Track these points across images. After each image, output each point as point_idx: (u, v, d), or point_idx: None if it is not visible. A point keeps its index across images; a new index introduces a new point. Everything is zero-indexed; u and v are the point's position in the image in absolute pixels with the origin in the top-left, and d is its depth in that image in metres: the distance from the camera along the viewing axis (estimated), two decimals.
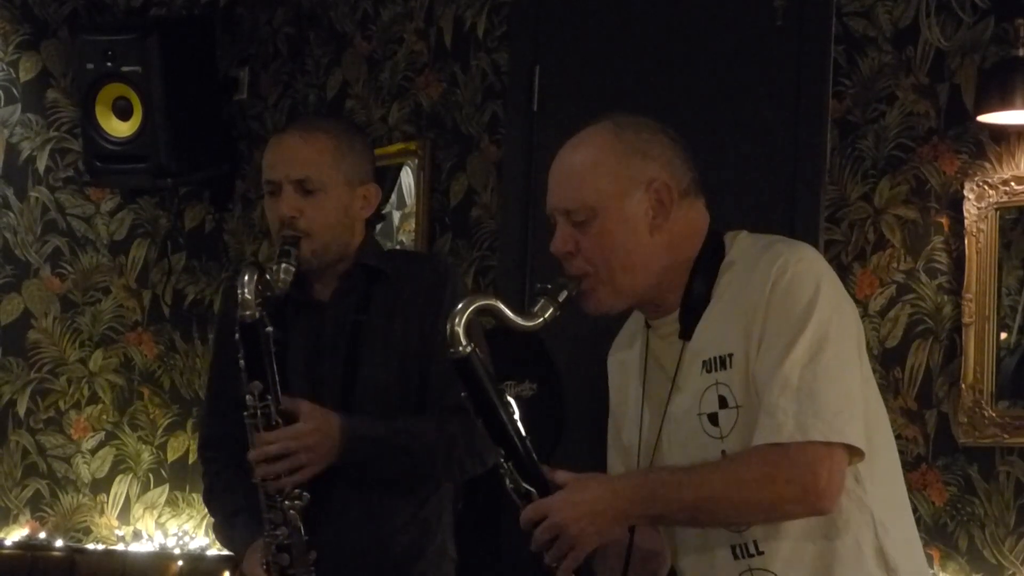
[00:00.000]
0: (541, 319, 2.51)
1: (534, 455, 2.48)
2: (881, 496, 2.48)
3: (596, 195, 2.50)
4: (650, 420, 2.58)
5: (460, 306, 2.49)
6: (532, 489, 2.45)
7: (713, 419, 2.47)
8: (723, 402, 2.46)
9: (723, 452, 2.45)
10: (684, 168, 2.55)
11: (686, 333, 2.52)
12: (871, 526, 2.45)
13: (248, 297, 3.06)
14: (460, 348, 2.48)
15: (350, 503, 3.17)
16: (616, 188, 2.50)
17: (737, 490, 2.39)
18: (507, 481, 2.48)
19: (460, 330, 2.47)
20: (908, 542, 2.53)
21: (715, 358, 2.47)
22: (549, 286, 2.53)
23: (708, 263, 2.53)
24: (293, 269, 3.11)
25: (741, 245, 2.54)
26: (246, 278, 3.07)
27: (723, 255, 2.54)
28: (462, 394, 2.51)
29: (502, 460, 2.48)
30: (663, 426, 2.54)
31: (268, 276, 3.09)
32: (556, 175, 2.57)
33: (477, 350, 2.49)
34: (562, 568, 2.44)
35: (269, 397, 3.08)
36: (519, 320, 2.51)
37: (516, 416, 2.49)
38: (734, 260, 2.52)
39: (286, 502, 3.08)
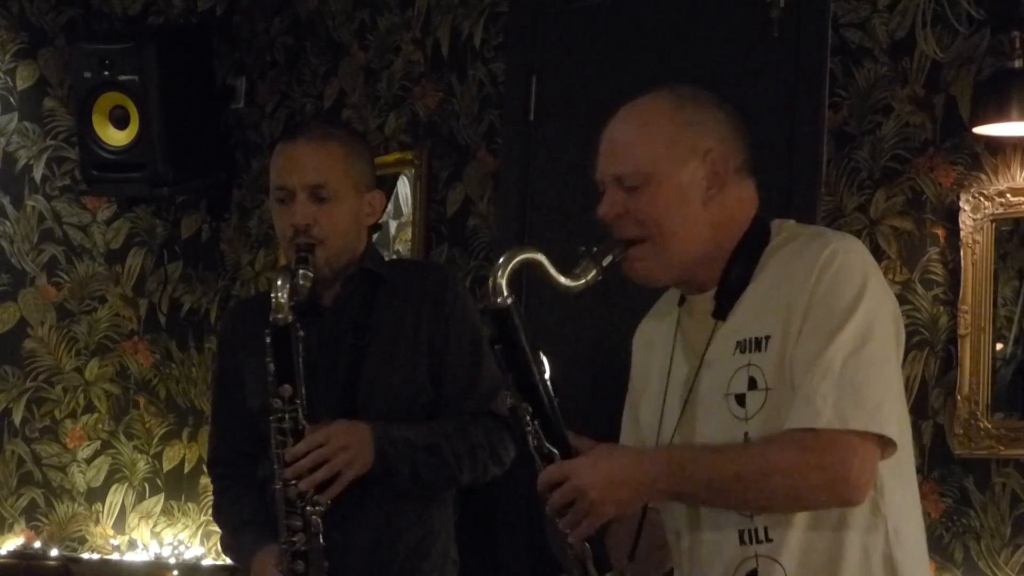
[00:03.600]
0: (583, 280, 2.45)
1: (560, 417, 2.43)
2: (897, 505, 2.45)
3: (651, 160, 2.46)
4: (674, 397, 2.53)
5: (503, 259, 2.44)
6: (555, 451, 2.41)
7: (740, 400, 2.42)
8: (752, 383, 2.41)
9: (746, 434, 2.41)
10: (739, 145, 2.51)
11: (720, 312, 2.47)
12: (883, 532, 2.42)
13: (282, 301, 3.07)
14: (501, 299, 2.43)
15: (355, 505, 3.17)
16: (672, 155, 2.46)
17: (766, 473, 2.35)
18: (530, 440, 2.43)
19: (503, 281, 2.42)
20: (918, 555, 2.50)
21: (751, 339, 2.43)
22: (595, 248, 2.47)
23: (752, 244, 2.49)
24: (311, 275, 3.12)
25: (788, 231, 2.51)
26: (279, 283, 3.09)
27: (767, 240, 2.50)
28: (495, 346, 2.45)
29: (528, 417, 2.42)
30: (687, 403, 2.49)
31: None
32: (609, 140, 2.52)
33: (518, 305, 2.44)
34: (575, 533, 2.39)
35: (298, 401, 3.09)
36: (562, 280, 2.45)
37: (547, 376, 2.44)
38: (780, 244, 2.48)
39: (308, 507, 3.08)
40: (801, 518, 2.41)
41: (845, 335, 2.35)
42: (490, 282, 2.44)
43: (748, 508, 2.42)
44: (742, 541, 2.44)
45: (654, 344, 2.62)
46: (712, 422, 2.46)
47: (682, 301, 2.58)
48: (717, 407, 2.45)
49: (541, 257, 2.46)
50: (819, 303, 2.38)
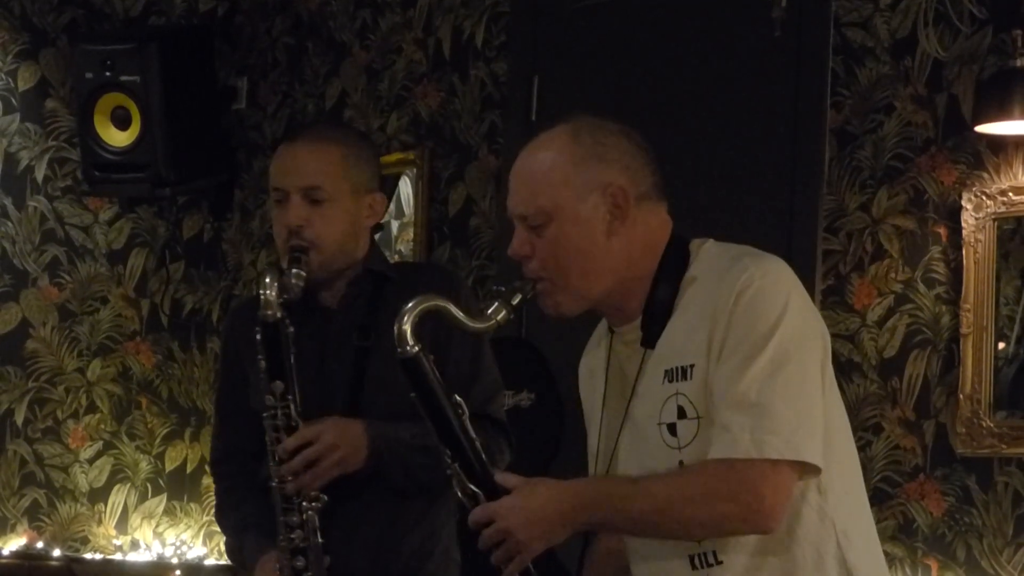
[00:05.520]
0: (493, 321, 2.50)
1: (483, 456, 2.48)
2: (843, 506, 2.46)
3: (550, 200, 2.48)
4: (609, 425, 2.57)
5: (408, 307, 2.50)
6: (479, 491, 2.46)
7: (672, 429, 2.45)
8: (682, 412, 2.44)
9: (681, 463, 2.43)
10: (644, 172, 2.52)
11: (648, 341, 2.50)
12: (833, 537, 2.43)
13: (271, 298, 3.08)
14: (407, 348, 2.49)
15: (359, 504, 3.18)
16: (570, 192, 2.48)
17: (680, 505, 2.38)
18: (454, 483, 2.48)
19: (407, 329, 2.49)
20: (871, 552, 2.51)
21: (677, 368, 2.45)
22: (503, 288, 2.52)
23: (671, 270, 2.51)
24: (304, 275, 3.13)
25: (707, 255, 2.52)
26: (267, 279, 3.10)
27: (687, 263, 2.51)
28: (411, 395, 2.51)
29: (449, 461, 2.48)
30: (622, 433, 2.53)
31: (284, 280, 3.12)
32: (513, 179, 2.55)
33: (425, 352, 2.50)
34: (507, 571, 2.45)
35: (290, 397, 3.10)
36: (469, 322, 2.53)
37: (465, 417, 2.49)
38: (699, 270, 2.50)
39: (304, 503, 3.09)
40: (751, 538, 2.42)
41: (760, 362, 2.37)
42: (395, 331, 2.49)
43: (667, 536, 2.46)
44: (693, 566, 2.46)
45: (594, 371, 2.65)
46: (647, 451, 2.48)
47: (612, 328, 2.60)
48: (651, 436, 2.48)
49: (446, 304, 2.52)
50: (735, 330, 2.39)
